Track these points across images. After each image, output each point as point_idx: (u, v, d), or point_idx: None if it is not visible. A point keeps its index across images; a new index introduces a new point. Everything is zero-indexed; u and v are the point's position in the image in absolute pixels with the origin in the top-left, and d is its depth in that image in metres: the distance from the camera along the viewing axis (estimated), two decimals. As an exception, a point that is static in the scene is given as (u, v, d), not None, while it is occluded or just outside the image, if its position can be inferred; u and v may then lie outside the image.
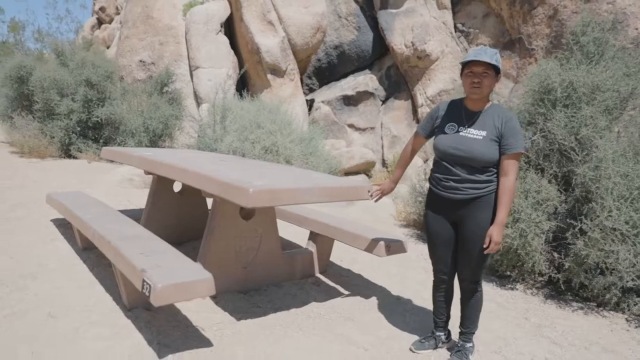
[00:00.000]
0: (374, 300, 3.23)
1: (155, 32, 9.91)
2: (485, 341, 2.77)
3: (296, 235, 4.58)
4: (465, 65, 2.24)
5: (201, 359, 2.30)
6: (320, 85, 10.36)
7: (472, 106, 2.33)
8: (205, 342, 2.45)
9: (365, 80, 9.89)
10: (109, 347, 2.31)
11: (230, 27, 10.30)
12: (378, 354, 2.52)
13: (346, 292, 3.34)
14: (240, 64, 9.85)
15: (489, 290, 3.63)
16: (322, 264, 3.64)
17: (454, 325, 2.71)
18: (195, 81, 9.45)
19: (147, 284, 2.14)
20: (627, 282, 3.19)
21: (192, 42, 9.54)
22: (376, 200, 2.71)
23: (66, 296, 2.82)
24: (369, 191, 2.70)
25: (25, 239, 3.75)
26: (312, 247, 3.58)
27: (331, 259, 3.98)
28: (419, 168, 7.28)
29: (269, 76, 9.45)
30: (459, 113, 2.35)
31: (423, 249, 4.59)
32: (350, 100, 9.77)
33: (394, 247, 3.05)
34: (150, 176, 4.56)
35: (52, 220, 4.31)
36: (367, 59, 10.11)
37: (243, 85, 10.09)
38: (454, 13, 9.67)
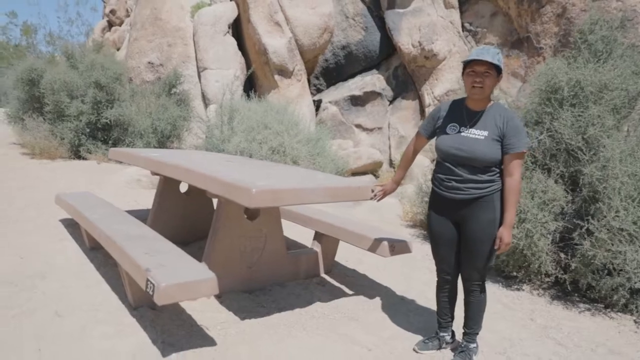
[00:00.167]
0: (378, 301, 3.23)
1: (164, 34, 9.99)
2: (490, 342, 2.76)
3: (301, 235, 4.59)
4: (467, 64, 2.23)
5: (205, 358, 2.31)
6: (328, 86, 10.37)
7: (474, 106, 2.32)
8: (209, 341, 2.46)
9: (373, 81, 9.88)
10: (114, 345, 2.34)
11: (237, 28, 10.35)
12: (381, 354, 2.52)
13: (351, 292, 3.34)
14: (248, 65, 9.89)
15: (495, 291, 3.61)
16: (327, 264, 3.65)
17: (459, 325, 2.70)
18: (203, 82, 9.51)
19: (151, 283, 2.16)
20: (636, 283, 3.15)
21: (200, 44, 9.60)
22: (378, 200, 2.71)
23: (73, 295, 2.86)
24: (372, 190, 2.70)
25: (35, 239, 3.81)
26: (317, 247, 3.59)
27: (337, 259, 3.99)
28: (426, 168, 7.25)
29: (276, 77, 9.48)
30: (461, 113, 2.34)
31: (429, 249, 4.56)
32: (357, 101, 9.76)
33: (398, 247, 3.05)
34: (157, 177, 4.60)
35: (61, 221, 4.37)
36: (375, 59, 10.09)
37: (250, 86, 10.13)
38: (461, 12, 9.62)
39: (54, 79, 8.02)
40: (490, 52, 2.17)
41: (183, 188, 4.02)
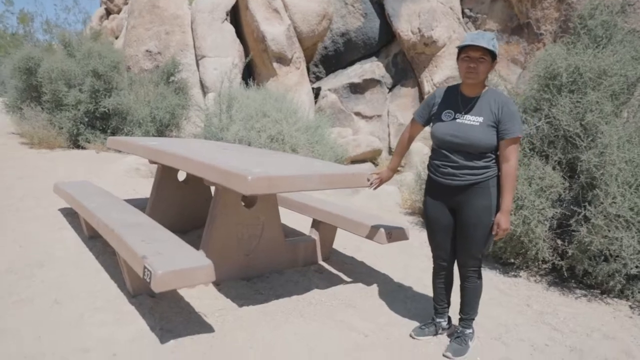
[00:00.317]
0: (375, 288, 3.25)
1: (161, 22, 9.91)
2: (486, 328, 2.78)
3: (299, 223, 4.60)
4: (462, 49, 2.22)
5: (203, 344, 2.34)
6: (327, 73, 10.31)
7: (468, 92, 2.31)
8: (207, 328, 2.49)
9: (372, 68, 9.82)
10: (113, 333, 2.36)
11: (236, 16, 10.26)
12: (378, 340, 2.54)
13: (348, 280, 3.36)
14: (246, 53, 9.83)
15: (492, 277, 3.63)
16: (325, 252, 3.66)
17: (455, 312, 2.72)
18: (202, 70, 9.46)
19: (148, 270, 2.17)
20: (632, 269, 3.16)
21: (197, 31, 9.53)
22: (375, 189, 2.71)
23: (72, 283, 2.88)
24: (368, 179, 2.71)
25: (34, 228, 3.82)
26: (315, 235, 3.61)
27: (335, 247, 4.00)
28: (425, 155, 7.24)
29: (275, 64, 9.42)
30: (456, 99, 2.33)
31: (427, 236, 4.58)
32: (356, 88, 9.71)
33: (395, 234, 3.06)
34: (156, 166, 4.60)
35: (60, 210, 4.38)
36: (374, 46, 10.02)
37: (249, 74, 10.08)
38: (461, -2, 9.53)
39: (51, 68, 7.98)
40: (485, 38, 2.15)
41: (181, 177, 4.02)
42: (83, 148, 8.12)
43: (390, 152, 9.52)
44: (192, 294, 2.86)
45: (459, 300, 2.61)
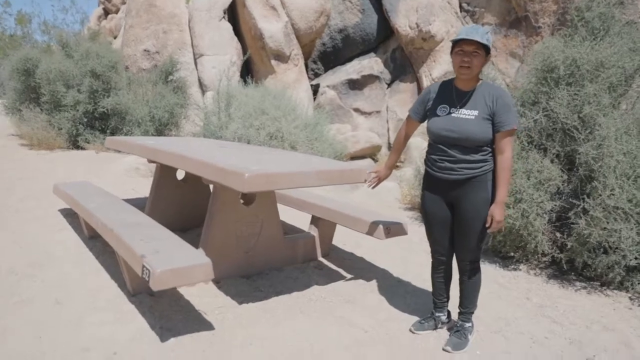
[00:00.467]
0: (375, 283, 3.26)
1: (159, 21, 9.89)
2: (485, 321, 2.79)
3: (298, 219, 4.61)
4: (456, 43, 2.21)
5: (202, 342, 2.35)
6: (325, 70, 10.29)
7: (463, 86, 2.30)
8: (206, 326, 2.50)
9: (371, 64, 9.80)
10: (113, 332, 2.37)
11: (233, 13, 10.24)
12: (377, 336, 2.55)
13: (348, 276, 3.37)
14: (244, 50, 9.81)
15: (492, 271, 3.64)
16: (325, 248, 3.67)
17: (454, 306, 2.72)
18: (200, 69, 9.44)
19: (147, 269, 2.18)
20: (631, 260, 3.16)
21: (195, 30, 9.52)
22: (373, 187, 2.72)
23: (72, 283, 2.89)
24: (365, 180, 2.71)
25: (34, 229, 3.84)
26: (314, 231, 3.61)
27: (334, 243, 4.01)
28: (424, 151, 7.24)
29: (273, 62, 9.41)
30: (450, 94, 2.33)
31: (427, 231, 4.59)
32: (355, 84, 9.70)
33: (393, 229, 3.07)
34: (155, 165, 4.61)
35: (59, 210, 4.39)
36: (372, 42, 10.00)
37: (247, 71, 10.06)
38: (459, -8, 9.50)
39: (49, 69, 7.98)
40: (479, 32, 2.14)
41: (180, 175, 4.03)
42: (82, 149, 8.12)
43: (389, 147, 9.51)
44: (191, 292, 2.87)
45: (458, 294, 2.61)
